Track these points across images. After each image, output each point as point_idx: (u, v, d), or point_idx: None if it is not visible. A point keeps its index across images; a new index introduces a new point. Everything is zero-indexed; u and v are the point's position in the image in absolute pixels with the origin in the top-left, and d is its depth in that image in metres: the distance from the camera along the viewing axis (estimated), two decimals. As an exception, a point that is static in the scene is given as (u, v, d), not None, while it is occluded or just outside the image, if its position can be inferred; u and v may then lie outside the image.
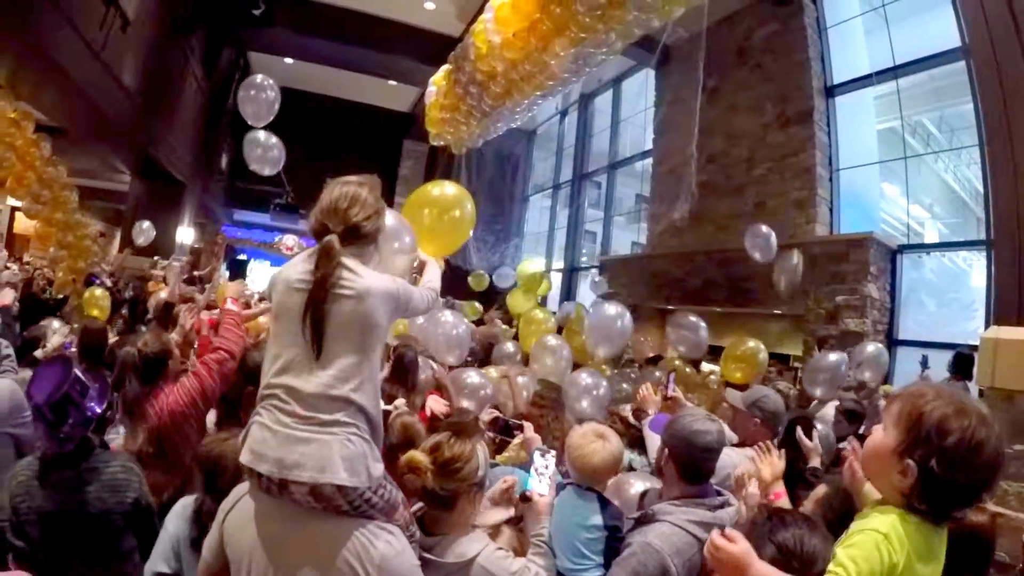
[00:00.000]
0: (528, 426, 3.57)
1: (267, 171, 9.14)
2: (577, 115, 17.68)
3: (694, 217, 10.09)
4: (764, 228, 8.43)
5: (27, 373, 3.71)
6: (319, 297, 2.02)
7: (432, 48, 14.55)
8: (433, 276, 2.85)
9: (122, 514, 2.69)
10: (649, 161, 14.34)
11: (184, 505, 2.62)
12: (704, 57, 8.31)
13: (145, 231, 10.86)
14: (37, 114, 9.70)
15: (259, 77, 9.01)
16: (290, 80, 19.46)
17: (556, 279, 17.47)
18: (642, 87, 15.11)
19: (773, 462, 2.98)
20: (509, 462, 3.76)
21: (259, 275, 20.32)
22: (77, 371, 2.78)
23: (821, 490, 2.86)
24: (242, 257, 22.66)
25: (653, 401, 3.97)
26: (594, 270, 16.01)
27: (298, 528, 1.99)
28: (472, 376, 4.79)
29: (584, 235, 17.53)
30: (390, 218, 2.53)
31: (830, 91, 9.95)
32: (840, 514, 2.38)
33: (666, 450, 2.72)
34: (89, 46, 8.96)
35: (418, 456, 2.28)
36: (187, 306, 5.95)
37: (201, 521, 2.49)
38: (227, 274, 19.86)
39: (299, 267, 2.12)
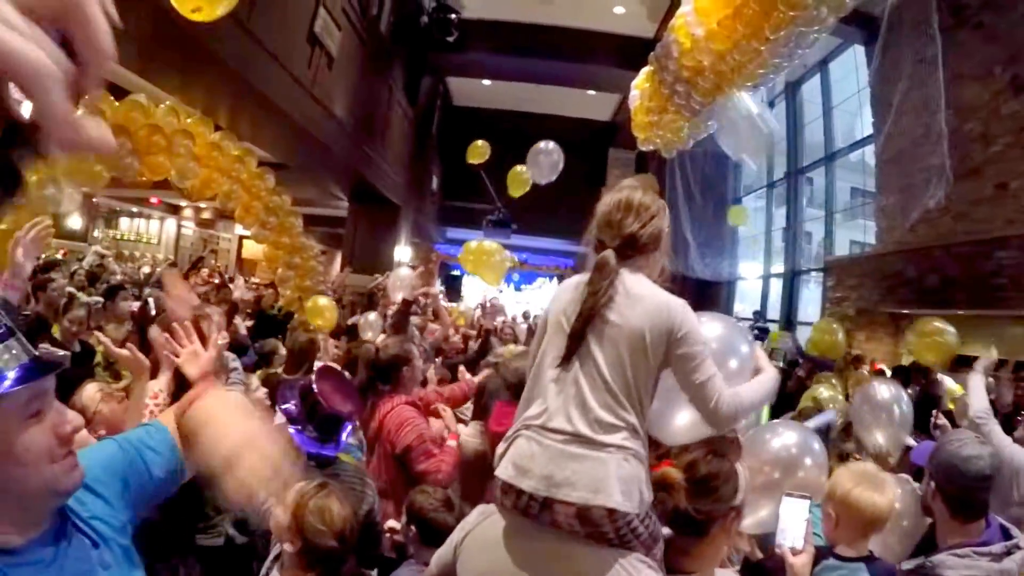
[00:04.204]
0: None
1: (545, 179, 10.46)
2: (785, 105, 16.59)
3: (924, 209, 9.01)
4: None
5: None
6: (589, 313, 1.91)
7: (627, 52, 14.40)
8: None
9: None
10: (863, 152, 13.31)
11: None
12: (936, 18, 7.43)
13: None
14: (259, 152, 10.34)
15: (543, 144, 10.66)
16: (490, 101, 19.94)
17: (776, 285, 16.60)
18: (850, 68, 13.80)
19: None
20: None
21: (471, 289, 20.81)
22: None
23: None
24: (455, 273, 23.43)
25: None
26: (814, 274, 15.12)
27: (554, 552, 1.84)
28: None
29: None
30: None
31: (1065, 44, 8.45)
32: None
33: (932, 483, 2.30)
34: (300, 84, 9.50)
35: (672, 472, 2.01)
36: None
37: None
38: (443, 289, 20.59)
39: (571, 293, 2.03)
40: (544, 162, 10.84)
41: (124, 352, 2.69)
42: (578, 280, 2.06)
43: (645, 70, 9.97)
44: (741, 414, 2.04)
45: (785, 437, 2.68)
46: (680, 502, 1.96)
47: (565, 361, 1.92)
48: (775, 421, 3.10)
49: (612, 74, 15.48)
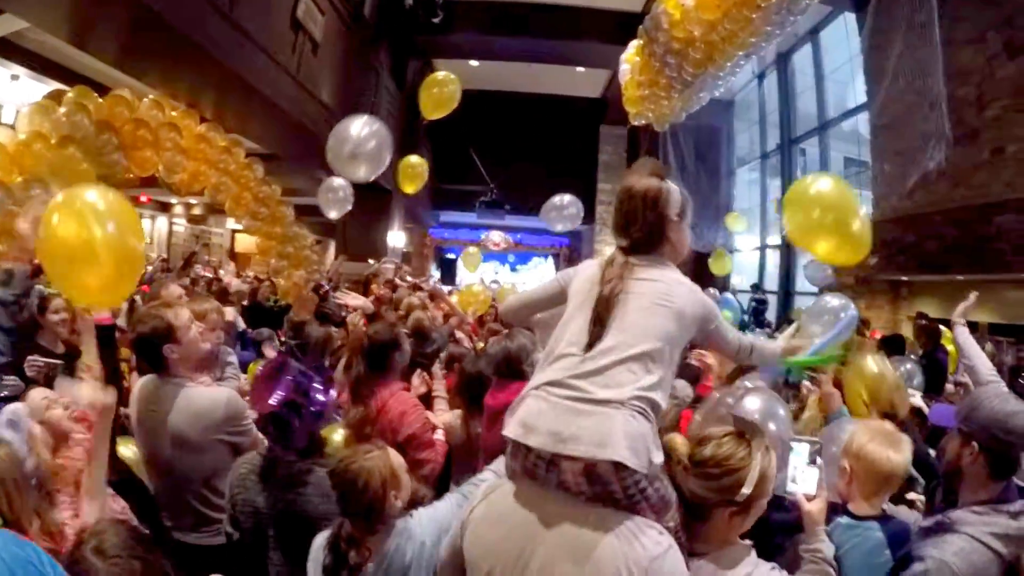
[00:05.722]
0: (825, 378, 3.12)
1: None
2: (777, 76, 16.46)
3: (923, 172, 8.85)
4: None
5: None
6: (604, 298, 2.01)
7: (615, 27, 14.22)
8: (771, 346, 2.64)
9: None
10: (856, 121, 13.21)
11: (319, 547, 2.36)
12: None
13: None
14: (247, 143, 10.23)
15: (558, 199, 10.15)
16: (479, 82, 19.75)
17: (773, 256, 16.57)
18: (841, 37, 13.55)
19: None
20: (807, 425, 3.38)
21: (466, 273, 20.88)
22: (297, 366, 2.81)
23: None
24: (450, 256, 23.39)
25: None
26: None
27: (558, 515, 1.77)
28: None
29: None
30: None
31: (1058, 6, 8.31)
32: None
33: (974, 445, 2.16)
34: (285, 71, 9.38)
35: (677, 440, 1.96)
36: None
37: (339, 548, 2.25)
38: (437, 275, 20.49)
39: (590, 272, 2.15)
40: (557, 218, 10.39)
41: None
42: (600, 261, 2.17)
43: (634, 43, 9.86)
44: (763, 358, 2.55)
45: (748, 402, 2.62)
46: (677, 475, 1.89)
47: (588, 348, 1.95)
48: (740, 384, 2.98)
49: (601, 50, 15.36)
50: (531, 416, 1.87)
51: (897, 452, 2.27)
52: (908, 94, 8.97)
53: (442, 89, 9.53)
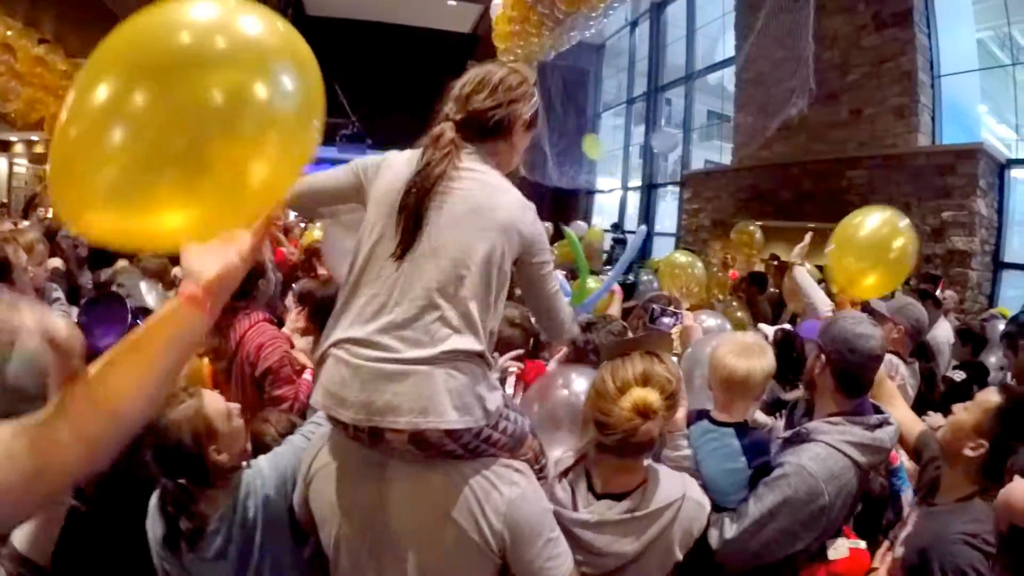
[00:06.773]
0: (687, 314, 3.19)
1: None
2: (649, 25, 16.65)
3: (784, 127, 9.27)
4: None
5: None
6: (420, 188, 1.63)
7: (490, -42, 13.94)
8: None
9: None
10: (722, 76, 13.70)
11: (152, 510, 2.05)
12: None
13: None
14: (81, 61, 9.45)
15: None
16: (346, 10, 19.01)
17: (633, 198, 17.05)
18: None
19: None
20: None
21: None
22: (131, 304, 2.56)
23: (992, 398, 2.09)
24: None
25: None
26: (671, 188, 15.47)
27: (400, 479, 1.60)
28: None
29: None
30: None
31: (926, -12, 8.99)
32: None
33: (822, 357, 2.25)
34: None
35: (650, 397, 1.72)
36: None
37: (167, 512, 1.96)
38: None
39: (403, 168, 1.70)
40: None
41: None
42: (411, 154, 1.76)
43: (510, -23, 9.71)
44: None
45: (576, 384, 2.44)
46: (660, 428, 1.77)
47: (399, 256, 1.62)
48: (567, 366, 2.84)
49: (474, -19, 15.09)
50: (335, 384, 1.60)
51: (739, 360, 2.22)
52: (777, 51, 9.30)
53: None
